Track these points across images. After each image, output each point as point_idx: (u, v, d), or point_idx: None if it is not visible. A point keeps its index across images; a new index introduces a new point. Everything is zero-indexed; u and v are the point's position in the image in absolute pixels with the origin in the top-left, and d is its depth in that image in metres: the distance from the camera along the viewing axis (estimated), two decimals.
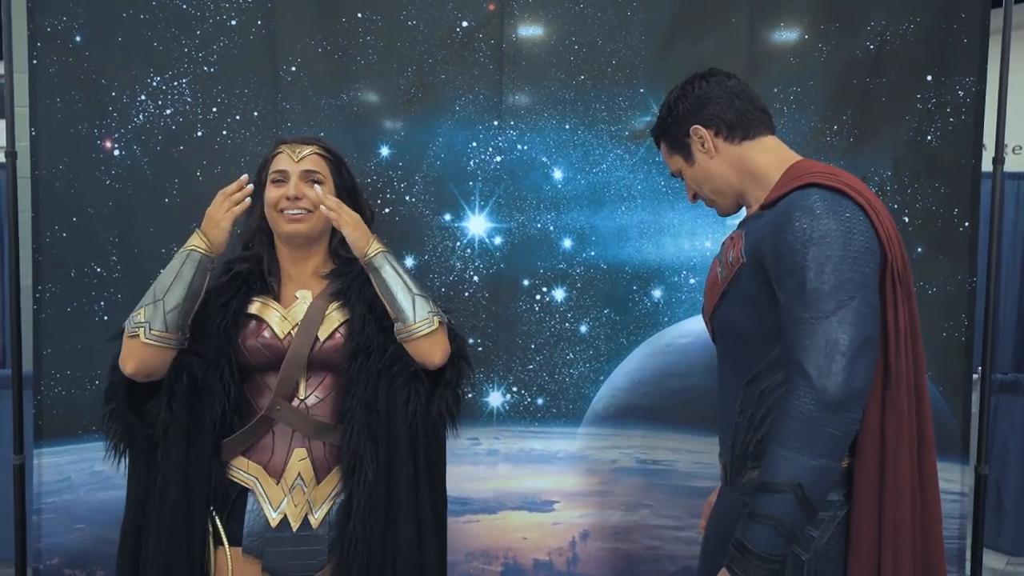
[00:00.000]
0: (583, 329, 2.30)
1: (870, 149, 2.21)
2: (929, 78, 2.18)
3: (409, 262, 2.34)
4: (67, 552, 2.37)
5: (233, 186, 1.45)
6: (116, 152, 2.27)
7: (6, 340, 4.03)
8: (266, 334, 1.49)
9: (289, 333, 1.50)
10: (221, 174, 2.29)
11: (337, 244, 1.60)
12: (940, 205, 2.19)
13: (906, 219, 2.20)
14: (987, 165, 2.26)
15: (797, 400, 1.15)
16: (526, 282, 2.29)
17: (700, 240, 2.26)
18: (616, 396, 2.29)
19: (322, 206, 1.48)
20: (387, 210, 2.30)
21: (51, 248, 2.29)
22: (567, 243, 2.28)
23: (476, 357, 2.32)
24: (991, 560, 3.32)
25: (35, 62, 2.23)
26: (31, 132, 2.25)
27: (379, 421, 1.50)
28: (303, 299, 1.54)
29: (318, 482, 1.51)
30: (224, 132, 2.27)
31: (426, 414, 1.50)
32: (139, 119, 2.26)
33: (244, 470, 1.49)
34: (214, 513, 1.47)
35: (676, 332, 2.25)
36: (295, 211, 1.50)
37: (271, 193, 1.52)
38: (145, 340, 1.38)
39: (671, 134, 1.44)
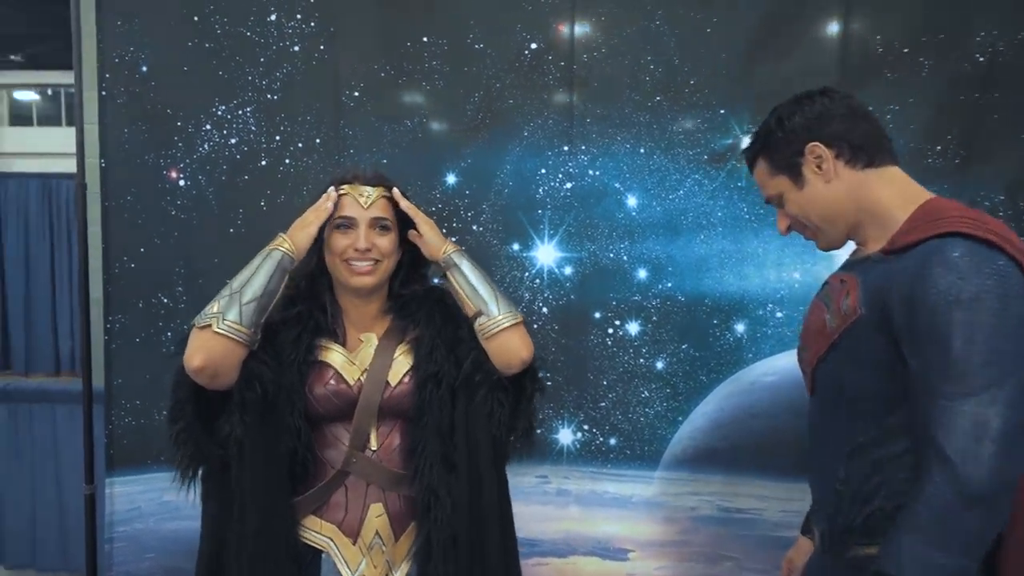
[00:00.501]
0: (659, 365, 2.17)
1: (979, 172, 2.00)
2: None
3: None
4: None
5: (321, 199, 1.38)
6: (181, 182, 2.25)
7: (73, 346, 4.12)
8: (334, 381, 1.39)
9: (359, 379, 1.40)
10: (284, 204, 2.24)
11: (398, 284, 1.49)
12: None
13: None
14: None
15: (934, 488, 1.00)
16: (598, 315, 2.18)
17: (788, 271, 2.10)
18: (695, 438, 2.15)
19: (401, 204, 1.41)
20: (453, 239, 2.21)
21: (120, 279, 2.30)
22: (642, 274, 2.15)
23: (545, 393, 2.23)
24: None
25: (104, 93, 2.23)
26: (101, 163, 2.26)
27: (455, 449, 1.38)
28: (368, 343, 1.44)
29: (396, 539, 1.40)
30: (287, 160, 2.23)
31: (511, 427, 1.40)
32: (204, 148, 2.24)
33: (317, 531, 1.37)
34: None
35: (761, 370, 2.10)
36: (364, 263, 1.39)
37: (337, 241, 1.39)
38: (217, 330, 1.25)
39: (779, 152, 1.26)
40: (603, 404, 2.19)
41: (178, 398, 1.34)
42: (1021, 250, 1.06)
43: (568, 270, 2.18)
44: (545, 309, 2.20)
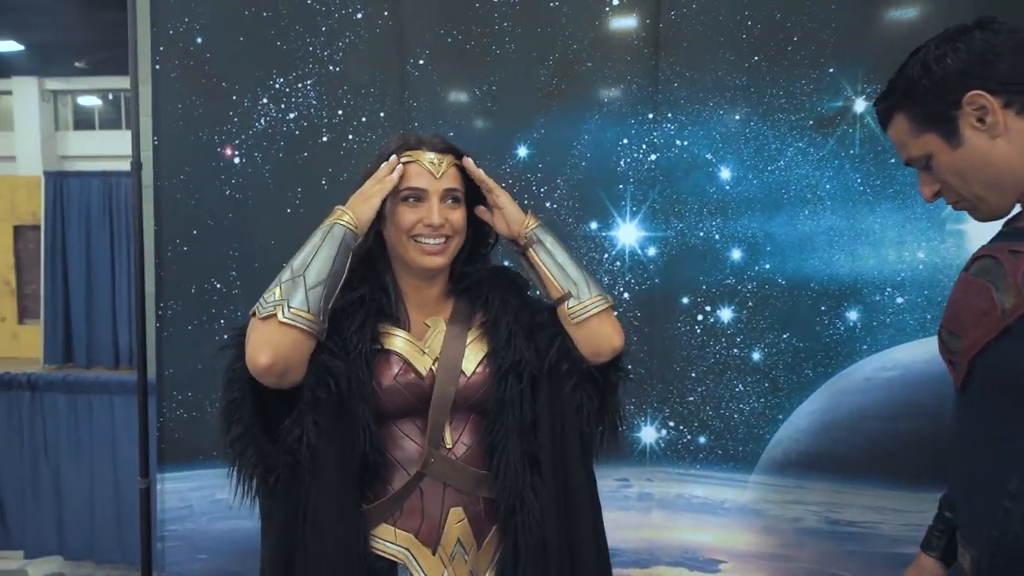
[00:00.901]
0: (756, 356, 1.95)
1: None
2: None
3: None
4: None
5: (384, 169, 1.20)
6: (236, 160, 2.14)
7: (132, 341, 4.11)
8: (404, 372, 1.22)
9: (431, 369, 1.23)
10: (347, 182, 2.06)
11: (461, 264, 1.32)
12: None
13: None
14: None
15: None
16: (686, 300, 1.98)
17: (910, 250, 1.85)
18: (799, 440, 1.92)
19: (474, 175, 1.24)
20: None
21: (173, 263, 2.20)
22: (736, 254, 1.95)
23: (626, 386, 2.02)
24: None
25: (157, 67, 2.14)
26: (154, 141, 2.17)
27: (540, 446, 1.24)
28: (435, 327, 1.27)
29: (479, 546, 1.24)
30: (350, 136, 2.09)
31: (598, 422, 1.27)
32: (260, 124, 2.11)
33: (392, 541, 1.20)
34: None
35: (878, 363, 1.85)
36: (435, 241, 1.22)
37: (405, 216, 1.21)
38: (283, 319, 1.08)
39: (926, 104, 1.05)
40: (691, 399, 1.98)
41: (232, 398, 1.15)
42: None
43: (652, 251, 1.98)
44: (627, 294, 2.00)
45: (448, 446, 1.22)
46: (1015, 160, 1.02)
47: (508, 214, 1.25)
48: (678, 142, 1.95)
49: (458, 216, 1.23)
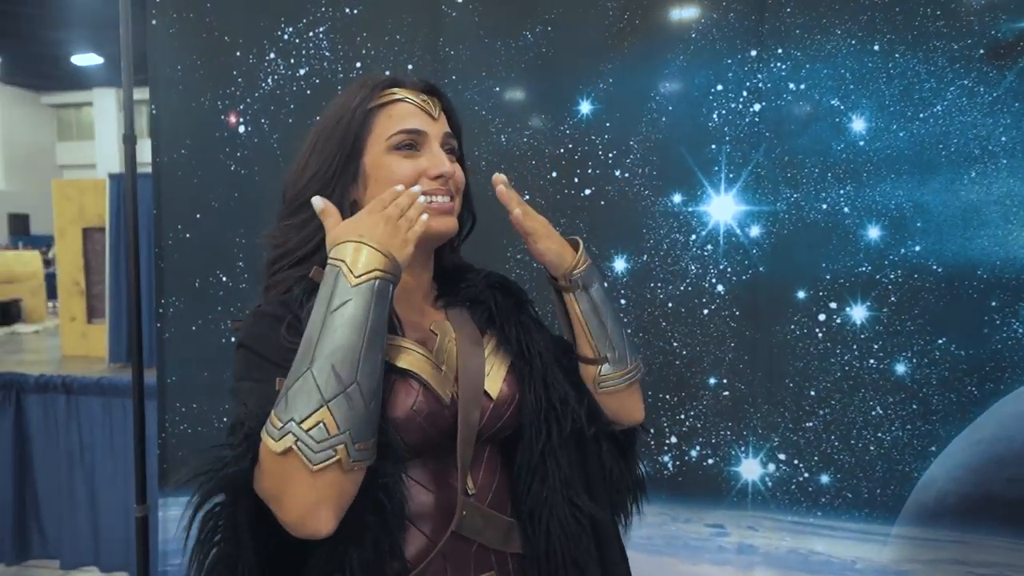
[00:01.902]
0: (900, 369, 1.49)
1: None
2: None
3: (620, 265, 1.62)
4: None
5: (405, 198, 0.84)
6: (242, 128, 1.82)
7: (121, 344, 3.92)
8: (422, 398, 0.88)
9: (451, 393, 0.90)
10: None
11: (447, 254, 1.03)
12: None
13: None
14: None
15: None
16: (802, 295, 1.54)
17: None
18: (959, 479, 1.46)
19: (498, 190, 0.93)
20: (587, 191, 1.61)
21: (174, 253, 1.91)
22: (873, 233, 1.49)
23: (721, 406, 1.58)
24: None
25: (154, 22, 1.83)
26: (151, 109, 1.85)
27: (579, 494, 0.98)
28: (445, 335, 0.94)
29: None
30: None
31: (627, 488, 1.08)
32: (268, 84, 1.79)
33: None
34: None
35: None
36: (443, 198, 0.92)
37: (400, 167, 0.91)
38: (354, 463, 0.75)
39: None
40: (810, 424, 1.53)
41: (224, 553, 0.77)
42: None
43: (756, 231, 1.54)
44: (720, 287, 1.56)
45: (471, 492, 0.92)
46: None
47: (551, 254, 0.97)
48: (791, 86, 1.50)
49: (460, 172, 0.96)
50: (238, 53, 1.80)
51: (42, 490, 3.16)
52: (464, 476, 0.91)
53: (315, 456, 0.71)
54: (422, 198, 0.87)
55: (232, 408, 0.84)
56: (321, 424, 0.72)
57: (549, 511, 0.95)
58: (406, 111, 0.92)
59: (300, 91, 1.77)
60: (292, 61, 1.77)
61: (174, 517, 1.97)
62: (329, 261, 0.79)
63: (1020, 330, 1.42)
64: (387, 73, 0.98)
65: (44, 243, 13.35)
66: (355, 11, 1.73)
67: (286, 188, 0.96)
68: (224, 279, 1.87)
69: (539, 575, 0.95)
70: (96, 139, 18.57)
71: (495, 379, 0.95)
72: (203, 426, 1.93)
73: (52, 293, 9.25)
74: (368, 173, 0.90)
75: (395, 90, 0.94)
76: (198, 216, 1.88)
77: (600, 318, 1.01)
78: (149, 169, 1.93)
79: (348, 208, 0.90)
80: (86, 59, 14.81)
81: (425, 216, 0.84)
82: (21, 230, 16.94)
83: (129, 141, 1.92)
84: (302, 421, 0.72)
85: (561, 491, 0.96)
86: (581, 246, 0.99)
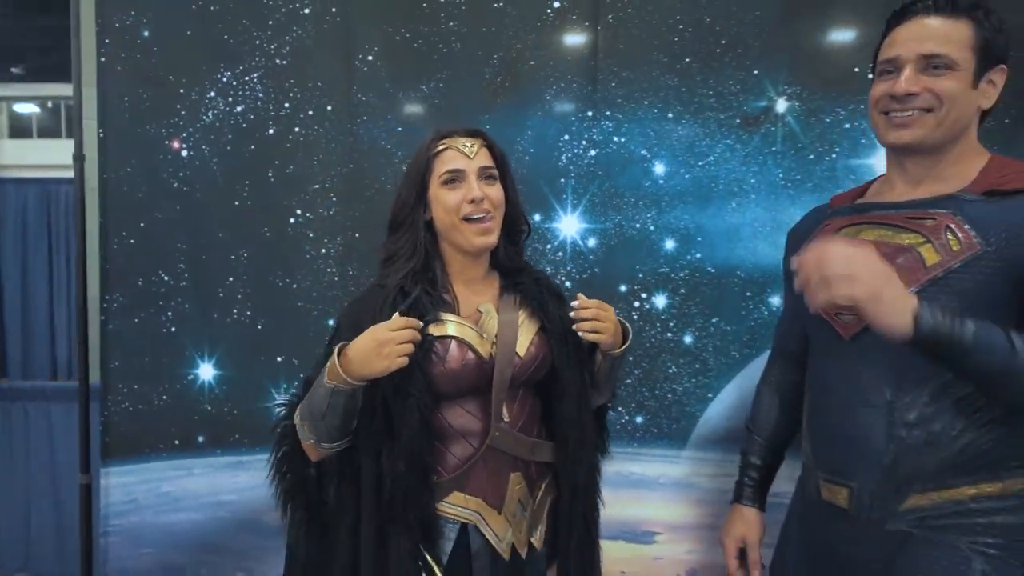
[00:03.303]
0: (688, 340, 2.07)
1: None
2: None
3: None
4: None
5: (399, 325, 1.20)
6: (184, 152, 2.15)
7: (71, 353, 4.01)
8: (470, 355, 1.31)
9: (491, 352, 1.33)
10: (294, 174, 2.14)
11: (502, 254, 1.43)
12: None
13: None
14: None
15: None
16: (623, 288, 2.08)
17: None
18: (728, 417, 2.04)
19: (582, 312, 1.33)
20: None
21: (118, 256, 2.19)
22: (669, 244, 2.05)
23: None
24: None
25: (103, 59, 2.14)
26: (99, 133, 2.16)
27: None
28: (488, 314, 1.36)
29: (535, 502, 1.38)
30: (297, 128, 2.13)
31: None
32: (208, 117, 2.13)
33: (463, 506, 1.32)
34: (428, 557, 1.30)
35: None
36: (482, 215, 1.31)
37: (449, 197, 1.32)
38: (321, 450, 1.31)
39: (995, 39, 1.16)
40: (629, 381, 2.08)
41: (283, 452, 1.38)
42: None
43: (592, 242, 2.08)
44: (568, 283, 2.09)
45: (506, 420, 1.33)
46: (971, 127, 1.20)
47: (609, 344, 1.37)
48: (615, 139, 2.06)
49: (496, 191, 1.34)
50: (182, 90, 2.12)
51: None
52: (499, 409, 1.31)
53: (303, 441, 1.29)
54: (472, 220, 1.30)
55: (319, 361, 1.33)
56: (304, 428, 1.28)
57: (571, 428, 1.35)
58: (450, 156, 1.33)
59: (237, 124, 2.12)
60: (230, 99, 2.13)
61: (115, 485, 2.25)
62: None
63: (766, 312, 2.04)
64: (444, 128, 1.38)
65: None
66: (284, 62, 2.11)
67: (391, 213, 1.39)
68: (166, 279, 2.19)
69: (543, 473, 1.37)
70: None
71: (524, 343, 1.34)
72: (144, 404, 2.22)
73: None
74: (432, 203, 1.34)
75: (444, 141, 1.34)
76: (142, 225, 2.16)
77: (611, 373, 1.43)
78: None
79: (424, 225, 1.35)
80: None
81: (410, 347, 1.19)
82: None
83: (78, 160, 2.20)
84: (300, 423, 1.29)
85: (571, 409, 1.36)
86: (631, 336, 1.40)
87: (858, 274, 1.01)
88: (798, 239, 1.38)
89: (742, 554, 1.50)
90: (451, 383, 1.29)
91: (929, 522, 1.14)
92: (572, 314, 1.32)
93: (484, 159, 1.35)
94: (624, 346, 1.40)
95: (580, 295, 1.35)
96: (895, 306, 1.02)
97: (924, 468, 1.13)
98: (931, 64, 1.15)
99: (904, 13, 1.20)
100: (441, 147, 1.34)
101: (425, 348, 1.26)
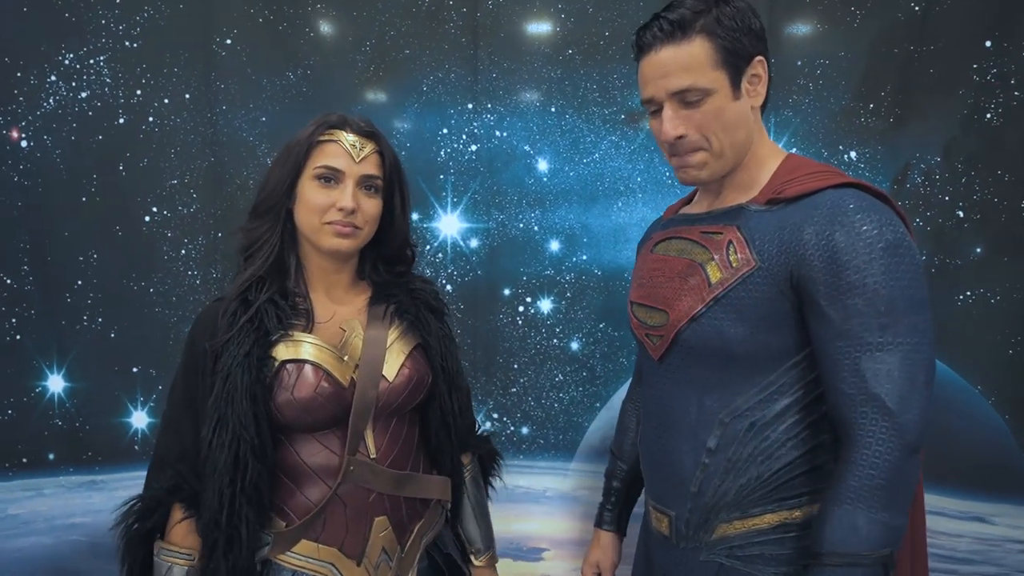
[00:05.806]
0: (574, 346, 1.97)
1: (915, 131, 1.85)
2: (988, 44, 1.82)
3: None
4: None
5: None
6: (24, 143, 1.95)
7: None
8: (325, 383, 1.13)
9: (351, 377, 1.16)
10: (148, 168, 1.96)
11: (370, 269, 1.28)
12: (1003, 196, 1.84)
13: (960, 213, 1.85)
14: None
15: (880, 445, 0.95)
16: (507, 291, 1.98)
17: None
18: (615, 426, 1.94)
19: None
20: None
21: None
22: (554, 245, 1.96)
23: None
24: None
25: None
26: None
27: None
28: (353, 332, 1.19)
29: (403, 550, 1.20)
30: (150, 118, 1.95)
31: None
32: (49, 104, 1.94)
33: (313, 556, 1.14)
34: None
35: None
36: (346, 226, 1.16)
37: (316, 196, 1.16)
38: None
39: (736, 40, 1.04)
40: (514, 390, 1.98)
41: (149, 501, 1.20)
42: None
43: (474, 242, 1.96)
44: (449, 286, 1.97)
45: (372, 453, 1.17)
46: (751, 130, 1.10)
47: None
48: (497, 133, 1.94)
49: (373, 206, 1.19)
50: (19, 73, 1.92)
51: None
52: (357, 441, 1.14)
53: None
54: (334, 224, 1.15)
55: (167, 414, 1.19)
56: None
57: (446, 452, 1.26)
58: (332, 151, 1.15)
59: (82, 112, 1.94)
60: (73, 84, 1.93)
61: None
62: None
63: None
64: (336, 115, 1.19)
65: None
66: (135, 44, 1.93)
67: (256, 196, 1.20)
68: (8, 282, 1.99)
69: (419, 512, 1.22)
70: None
71: (393, 364, 1.18)
72: None
73: None
74: (298, 193, 1.17)
75: (334, 131, 1.16)
76: None
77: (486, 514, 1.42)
78: None
79: (284, 217, 1.18)
80: None
81: None
82: None
83: None
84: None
85: (443, 434, 1.25)
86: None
87: None
88: (639, 251, 1.35)
89: None
90: (302, 414, 1.12)
91: (737, 552, 1.09)
92: None
93: (371, 167, 1.18)
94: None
95: None
96: None
97: (726, 496, 1.08)
98: (684, 99, 1.05)
99: (639, 47, 1.09)
100: (326, 137, 1.17)
101: (266, 373, 1.10)
